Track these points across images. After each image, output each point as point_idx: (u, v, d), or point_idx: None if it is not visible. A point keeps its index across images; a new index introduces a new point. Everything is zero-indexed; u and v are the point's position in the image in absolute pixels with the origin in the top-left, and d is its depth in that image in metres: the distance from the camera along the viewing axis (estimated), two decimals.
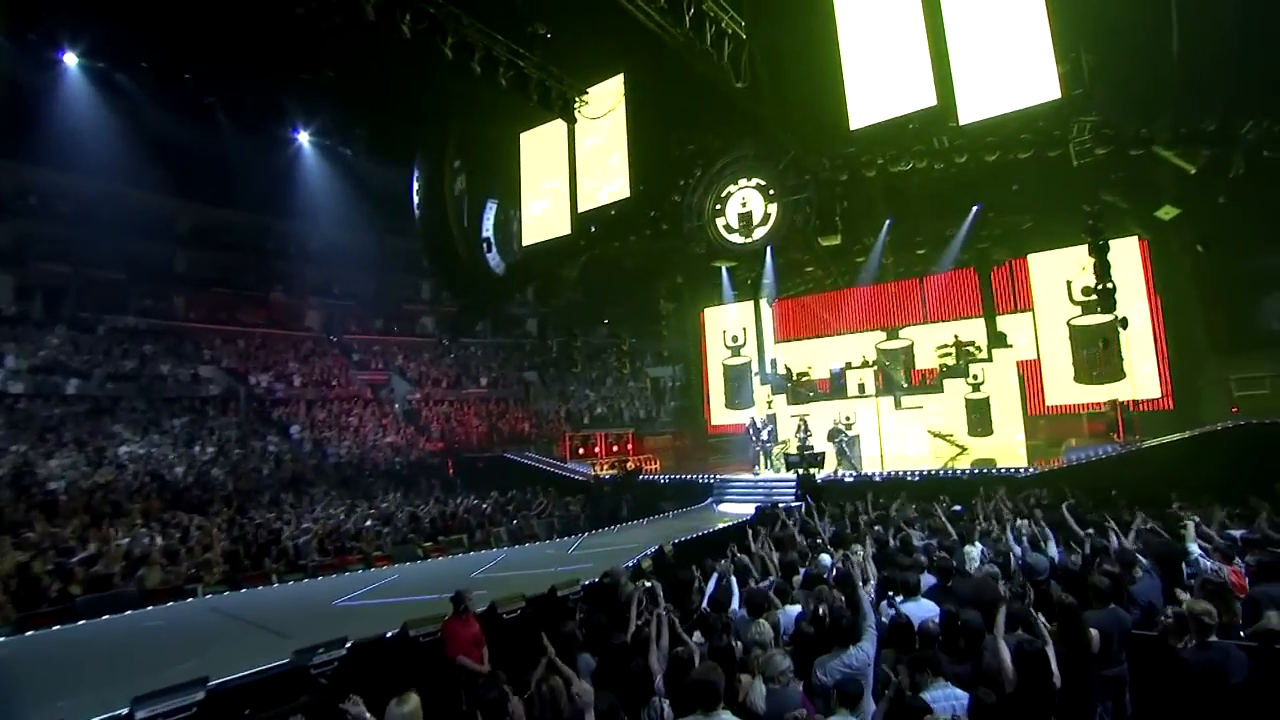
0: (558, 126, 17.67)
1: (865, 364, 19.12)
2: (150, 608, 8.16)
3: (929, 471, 13.48)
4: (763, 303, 22.02)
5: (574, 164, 18.17)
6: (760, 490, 14.74)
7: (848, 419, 15.68)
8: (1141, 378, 16.90)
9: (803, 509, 9.99)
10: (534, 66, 13.55)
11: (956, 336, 18.64)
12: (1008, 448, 16.50)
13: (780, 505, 11.13)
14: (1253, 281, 15.36)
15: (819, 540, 7.35)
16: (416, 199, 21.05)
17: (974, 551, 6.40)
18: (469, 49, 12.12)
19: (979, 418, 17.49)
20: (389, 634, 5.85)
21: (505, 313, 32.69)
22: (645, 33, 11.30)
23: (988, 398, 17.45)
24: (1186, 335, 16.59)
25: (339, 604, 8.02)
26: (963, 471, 13.26)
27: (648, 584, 5.48)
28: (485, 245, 21.01)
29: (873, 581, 5.01)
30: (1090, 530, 6.47)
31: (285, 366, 25.62)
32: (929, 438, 17.53)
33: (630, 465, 19.09)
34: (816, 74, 13.49)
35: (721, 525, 11.42)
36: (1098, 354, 17.16)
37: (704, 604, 5.35)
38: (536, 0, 13.61)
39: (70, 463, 16.32)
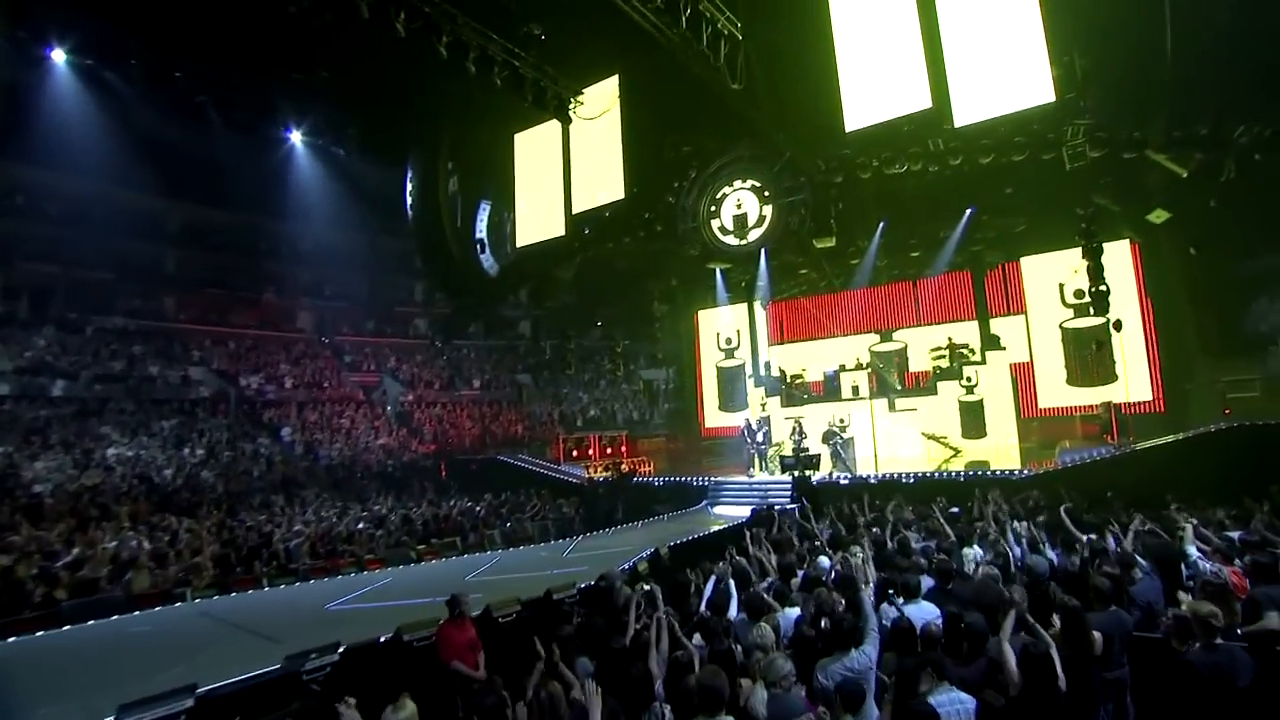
0: (552, 127, 17.61)
1: (859, 366, 19.14)
2: (137, 612, 8.02)
3: (924, 474, 13.49)
4: (757, 305, 22.01)
5: (568, 165, 18.11)
6: (755, 492, 14.72)
7: (842, 421, 15.67)
8: (1133, 380, 16.99)
9: (798, 511, 9.95)
10: (529, 66, 13.49)
11: (950, 339, 18.68)
12: (1001, 450, 16.56)
13: (776, 507, 11.10)
14: (1243, 285, 15.51)
15: (817, 543, 7.31)
16: (410, 200, 20.94)
17: (972, 553, 6.38)
18: (464, 48, 12.04)
19: (972, 420, 17.54)
20: (383, 638, 5.75)
21: (498, 314, 32.57)
22: (641, 33, 11.25)
23: (981, 400, 17.50)
24: (1177, 338, 16.70)
25: (331, 608, 7.92)
26: (958, 473, 13.27)
27: (646, 587, 5.42)
28: (479, 246, 20.92)
29: (872, 583, 4.97)
30: (1092, 535, 6.44)
31: (276, 368, 25.41)
32: (923, 440, 17.56)
33: (624, 467, 19.01)
34: (812, 76, 13.51)
35: (717, 528, 11.38)
36: (1090, 356, 17.25)
37: (702, 607, 5.29)
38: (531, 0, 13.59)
39: (56, 465, 16.09)
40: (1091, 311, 15.77)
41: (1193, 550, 5.72)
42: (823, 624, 4.51)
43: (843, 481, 13.75)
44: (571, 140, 17.84)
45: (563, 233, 18.37)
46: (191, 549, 10.59)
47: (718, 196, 17.99)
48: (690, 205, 18.35)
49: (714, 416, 23.91)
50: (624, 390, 29.82)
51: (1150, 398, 16.97)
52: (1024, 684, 3.64)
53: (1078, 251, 15.30)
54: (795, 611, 4.99)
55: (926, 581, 5.30)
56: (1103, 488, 9.96)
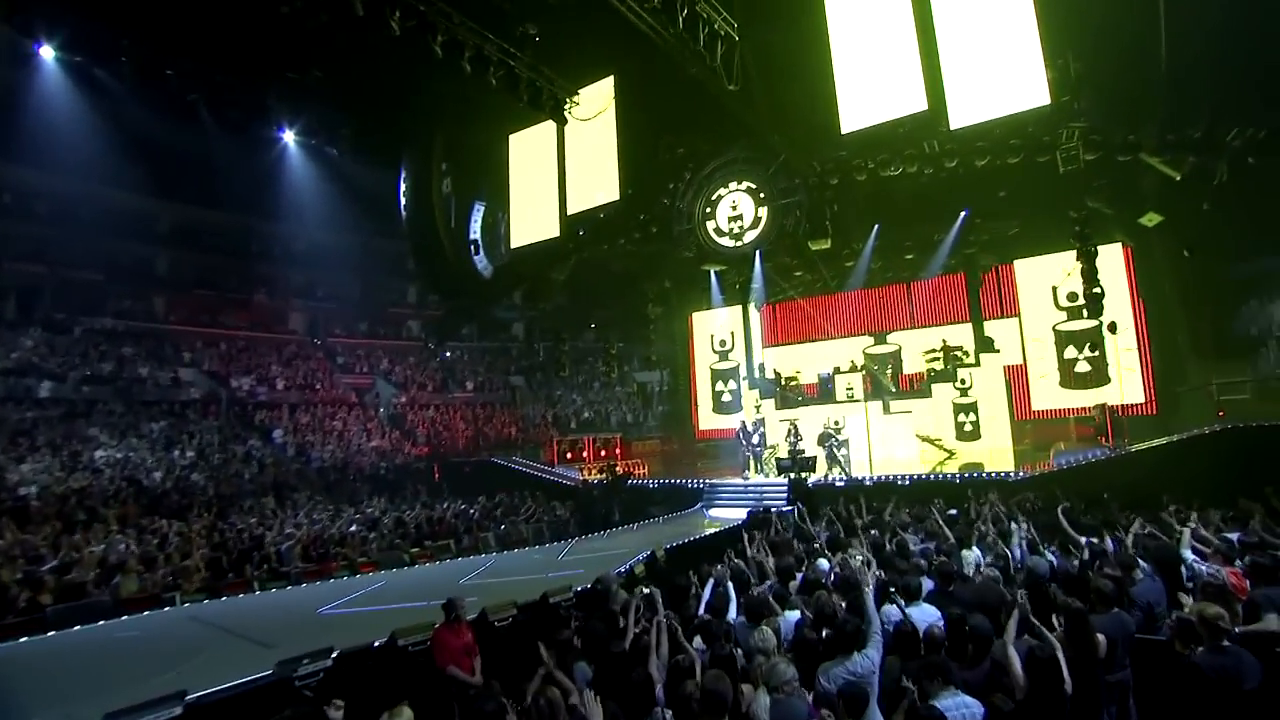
0: (547, 128, 17.54)
1: (854, 368, 19.15)
2: (125, 617, 7.89)
3: (920, 475, 13.50)
4: (751, 307, 22.02)
5: (563, 166, 18.04)
6: (751, 495, 14.67)
7: (837, 423, 15.67)
8: (1126, 383, 17.07)
9: (795, 514, 9.91)
10: (525, 66, 13.42)
11: (944, 341, 18.72)
12: (995, 452, 16.59)
13: (772, 509, 11.06)
14: (1234, 288, 15.61)
15: (815, 545, 7.26)
16: (404, 200, 20.83)
17: (971, 555, 6.34)
18: (459, 47, 11.95)
19: (966, 422, 17.58)
20: (377, 643, 5.66)
21: (491, 316, 32.46)
22: (636, 34, 11.20)
23: (975, 402, 17.54)
24: (1169, 341, 16.79)
25: (324, 612, 7.81)
26: (953, 475, 13.27)
27: (646, 590, 5.35)
28: (473, 247, 20.81)
29: (872, 586, 4.92)
30: (1092, 539, 6.43)
31: (268, 370, 25.22)
32: (917, 442, 17.58)
33: (619, 470, 18.94)
34: (808, 77, 13.51)
35: (713, 530, 11.33)
36: (1083, 358, 17.34)
37: (700, 610, 5.23)
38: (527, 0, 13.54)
39: (43, 467, 15.88)
40: (1085, 314, 15.83)
41: (1188, 553, 5.71)
42: (823, 632, 4.45)
43: (839, 483, 13.73)
44: (566, 141, 17.78)
45: (557, 234, 18.30)
46: (181, 552, 10.46)
47: (713, 198, 17.98)
48: (685, 207, 18.33)
49: (708, 418, 23.88)
50: (618, 392, 29.75)
51: (1142, 400, 17.06)
52: (1029, 687, 3.60)
53: (1071, 254, 15.38)
54: (795, 614, 4.94)
55: (927, 584, 5.26)
56: (1099, 489, 9.98)
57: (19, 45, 15.31)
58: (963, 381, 17.64)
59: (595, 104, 16.16)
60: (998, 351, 18.10)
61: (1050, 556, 6.12)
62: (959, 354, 18.25)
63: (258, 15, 13.26)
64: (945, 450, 17.12)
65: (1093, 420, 14.35)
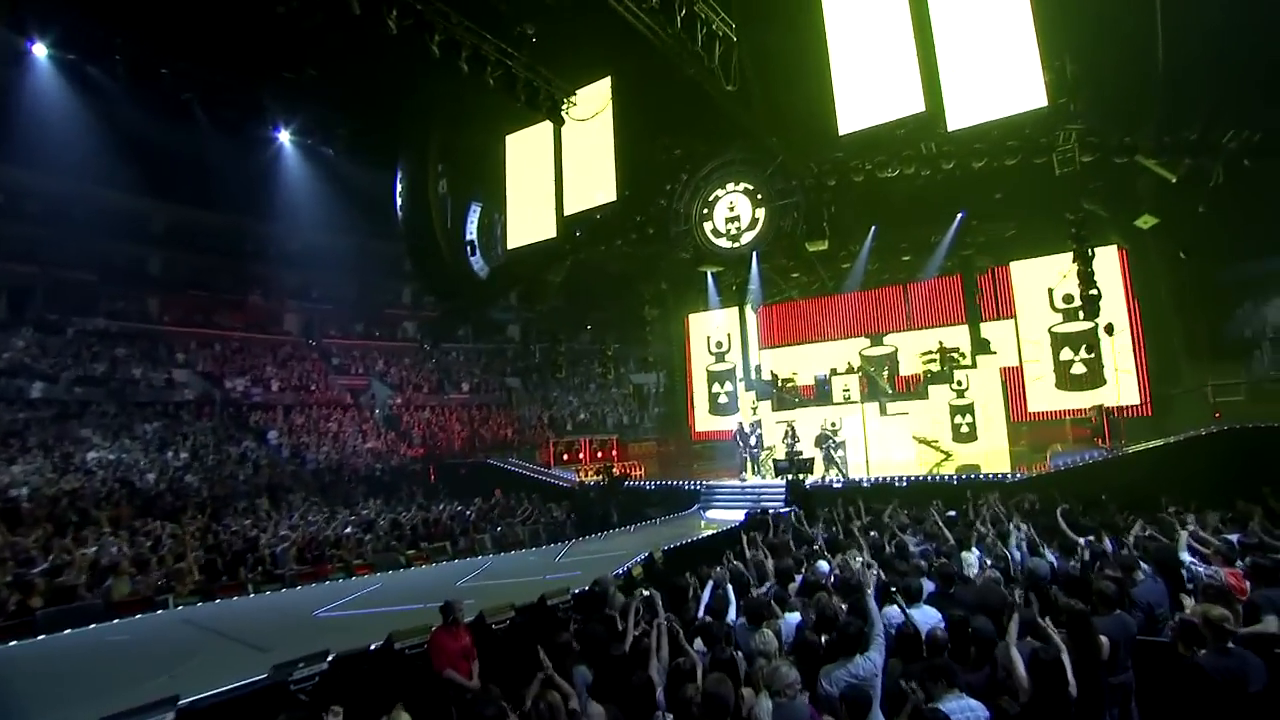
0: (543, 129, 17.51)
1: (850, 370, 19.14)
2: (117, 621, 7.75)
3: (917, 477, 13.49)
4: (748, 308, 22.01)
5: (560, 167, 18.01)
6: (748, 496, 14.65)
7: (834, 425, 15.66)
8: (1121, 384, 17.12)
9: (793, 515, 9.88)
10: (522, 66, 13.38)
11: (941, 343, 18.73)
12: (992, 453, 16.60)
13: (769, 511, 11.03)
14: (1230, 290, 15.68)
15: (814, 546, 7.23)
16: (399, 201, 20.75)
17: (971, 557, 6.32)
18: (456, 47, 11.90)
19: (963, 423, 17.59)
20: (373, 646, 5.59)
21: (487, 318, 32.38)
22: (634, 34, 11.19)
23: (972, 404, 17.56)
24: (1165, 343, 16.85)
25: (320, 615, 7.73)
26: (951, 477, 13.27)
27: (645, 592, 5.31)
28: (469, 248, 20.76)
29: (873, 588, 4.89)
30: (1091, 538, 6.41)
31: (263, 371, 25.08)
32: (914, 443, 17.58)
33: (615, 471, 18.88)
34: (806, 79, 13.53)
35: (710, 532, 11.29)
36: (1079, 360, 17.38)
37: (699, 612, 5.19)
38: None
39: (34, 469, 15.73)
40: (1082, 316, 15.87)
41: (1186, 556, 5.70)
42: (824, 635, 4.42)
43: (836, 485, 13.72)
44: (563, 142, 17.75)
45: (554, 235, 18.27)
46: (174, 554, 10.34)
47: (710, 199, 17.97)
48: (682, 208, 18.32)
49: (705, 420, 23.86)
50: (614, 394, 29.70)
51: (1138, 401, 17.10)
52: (1033, 690, 3.57)
53: (1066, 256, 15.41)
54: (795, 616, 4.91)
55: (927, 585, 5.23)
56: (1096, 491, 9.98)
57: (11, 43, 15.19)
58: (959, 383, 17.65)
59: (592, 104, 16.13)
60: (994, 353, 18.13)
61: (1050, 558, 6.10)
62: (955, 355, 18.27)
63: (253, 14, 13.21)
64: (942, 452, 17.12)
65: (1089, 422, 14.38)
